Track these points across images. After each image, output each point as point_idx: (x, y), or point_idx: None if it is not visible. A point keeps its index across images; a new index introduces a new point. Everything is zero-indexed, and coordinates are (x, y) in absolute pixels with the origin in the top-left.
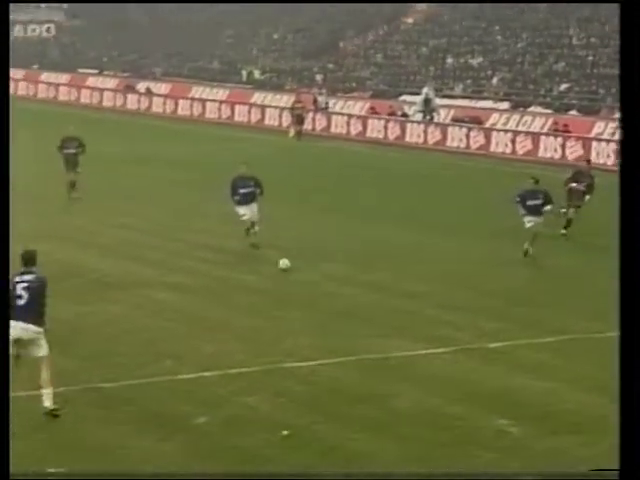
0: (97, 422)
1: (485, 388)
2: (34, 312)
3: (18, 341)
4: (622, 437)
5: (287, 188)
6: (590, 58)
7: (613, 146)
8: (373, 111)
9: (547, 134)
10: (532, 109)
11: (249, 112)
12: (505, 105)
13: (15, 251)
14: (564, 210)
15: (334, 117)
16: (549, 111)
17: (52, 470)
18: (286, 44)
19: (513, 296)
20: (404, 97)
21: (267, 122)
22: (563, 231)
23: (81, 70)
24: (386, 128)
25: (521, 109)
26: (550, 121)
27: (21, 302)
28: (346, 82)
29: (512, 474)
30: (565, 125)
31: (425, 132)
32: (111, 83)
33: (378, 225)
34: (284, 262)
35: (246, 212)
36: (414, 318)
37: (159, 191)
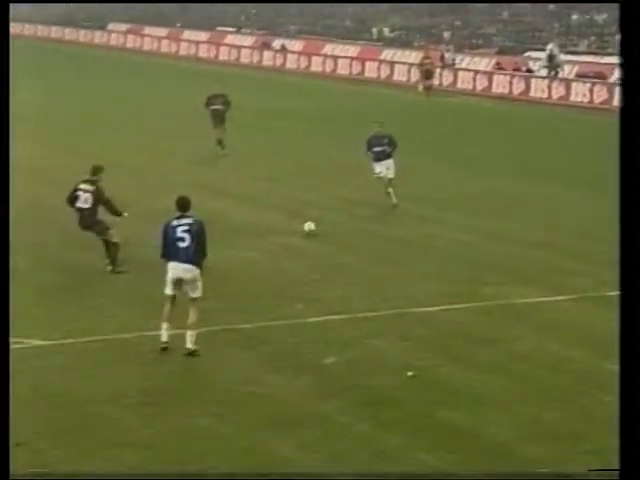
0: (237, 360)
1: (603, 334)
2: (195, 254)
3: (178, 281)
4: (622, 437)
5: (418, 141)
6: None
7: None
8: (499, 67)
9: None
10: None
11: (379, 68)
12: None
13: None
14: None
15: (461, 73)
16: None
17: (52, 470)
18: (415, 2)
19: None
20: (529, 53)
21: (396, 78)
22: None
23: (219, 28)
24: (511, 84)
25: None
26: None
27: (183, 244)
28: (473, 39)
29: (512, 474)
30: None
31: (549, 87)
32: (248, 41)
33: (506, 178)
34: (309, 226)
35: (382, 169)
36: (538, 266)
37: (294, 144)
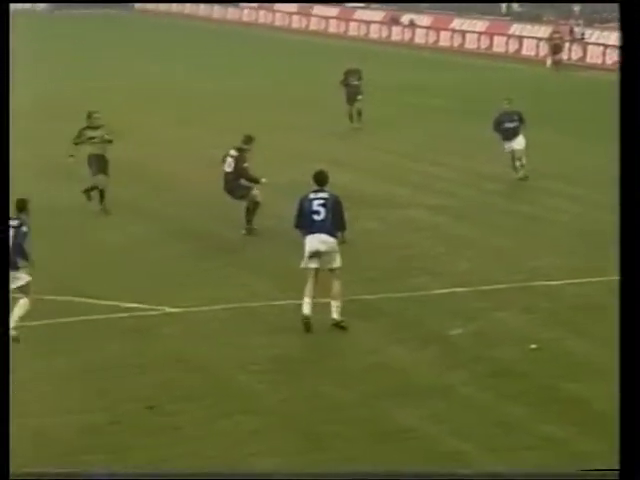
0: (361, 331)
1: None
2: (331, 226)
3: (316, 253)
4: (622, 437)
5: (546, 116)
6: None
7: None
8: None
9: None
10: None
11: (507, 43)
12: None
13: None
14: None
15: (590, 47)
16: None
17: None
18: None
19: None
20: None
21: (524, 52)
22: None
23: (349, 5)
24: None
25: None
26: None
27: (318, 217)
28: (603, 13)
29: (512, 474)
30: None
31: None
32: (377, 16)
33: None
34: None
35: (512, 146)
36: None
37: (422, 117)
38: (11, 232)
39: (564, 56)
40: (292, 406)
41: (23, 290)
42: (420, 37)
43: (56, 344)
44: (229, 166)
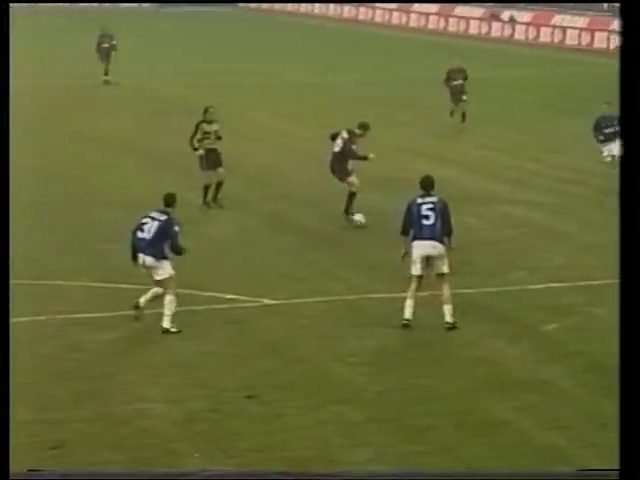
0: (458, 324)
1: None
2: (441, 230)
3: (426, 259)
4: (622, 437)
5: None
6: None
7: None
8: None
9: None
10: None
11: (608, 39)
12: None
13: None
14: None
15: None
16: None
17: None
18: None
19: None
20: None
21: None
22: None
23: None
24: None
25: None
26: None
27: (428, 222)
28: None
29: (510, 474)
30: None
31: None
32: (477, 12)
33: None
34: (358, 218)
35: (612, 149)
36: None
37: (520, 114)
38: (157, 225)
39: None
40: (389, 398)
41: (163, 284)
42: (520, 33)
43: (155, 334)
44: (337, 146)
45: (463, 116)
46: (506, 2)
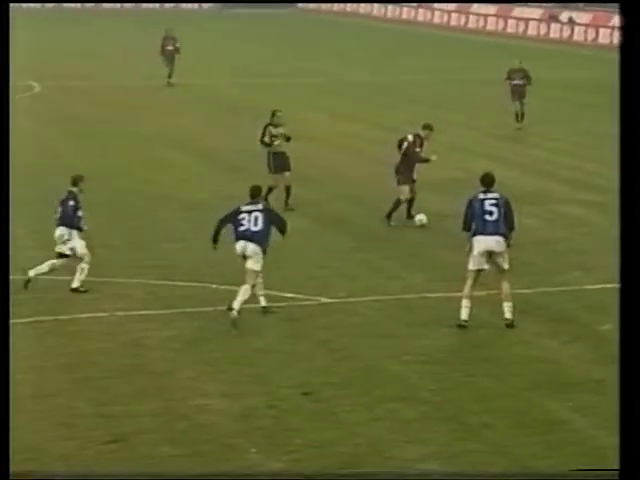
0: (514, 323)
1: None
2: (504, 226)
3: (488, 254)
4: (622, 437)
5: None
6: None
7: None
8: None
9: None
10: None
11: None
12: None
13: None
14: None
15: None
16: None
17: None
18: None
19: None
20: None
21: None
22: None
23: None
24: None
25: None
26: None
27: (491, 218)
28: None
29: (512, 474)
30: None
31: None
32: (536, 13)
33: None
34: (420, 218)
35: None
36: None
37: (579, 114)
38: (256, 215)
39: None
40: (443, 396)
41: (255, 274)
42: (579, 34)
43: (213, 332)
44: (402, 150)
45: (522, 116)
46: (565, 1)
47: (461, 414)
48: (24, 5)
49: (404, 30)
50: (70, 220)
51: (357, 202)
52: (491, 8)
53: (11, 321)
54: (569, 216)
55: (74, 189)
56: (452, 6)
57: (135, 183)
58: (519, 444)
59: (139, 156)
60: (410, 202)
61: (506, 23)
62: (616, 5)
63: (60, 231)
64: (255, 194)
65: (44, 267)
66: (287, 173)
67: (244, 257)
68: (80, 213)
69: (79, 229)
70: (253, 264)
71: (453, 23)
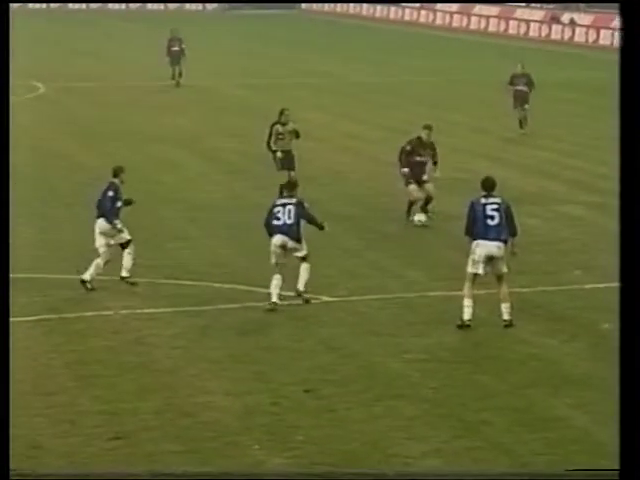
0: (514, 322)
1: None
2: (503, 231)
3: (489, 258)
4: (622, 437)
5: None
6: None
7: None
8: None
9: None
10: None
11: None
12: None
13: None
14: None
15: None
16: None
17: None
18: None
19: None
20: None
21: None
22: None
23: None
24: None
25: None
26: None
27: (493, 222)
28: None
29: (512, 474)
30: None
31: None
32: (537, 15)
33: None
34: (420, 218)
35: None
36: None
37: (583, 116)
38: (289, 208)
39: None
40: (444, 394)
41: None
42: (580, 36)
43: (216, 330)
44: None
45: (525, 120)
46: (566, 2)
47: (462, 412)
48: (29, 5)
49: (407, 31)
50: (107, 211)
51: (359, 202)
52: (493, 10)
53: (17, 319)
54: (570, 216)
55: (115, 180)
56: (454, 7)
57: (141, 183)
58: (519, 441)
59: (144, 156)
60: (426, 201)
61: (508, 24)
62: (617, 6)
63: (103, 222)
64: (291, 188)
65: (98, 263)
66: (292, 173)
67: (283, 249)
68: (119, 204)
69: (111, 223)
70: (299, 253)
71: (455, 24)
